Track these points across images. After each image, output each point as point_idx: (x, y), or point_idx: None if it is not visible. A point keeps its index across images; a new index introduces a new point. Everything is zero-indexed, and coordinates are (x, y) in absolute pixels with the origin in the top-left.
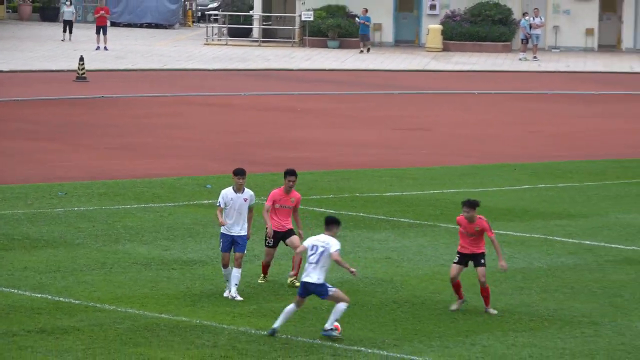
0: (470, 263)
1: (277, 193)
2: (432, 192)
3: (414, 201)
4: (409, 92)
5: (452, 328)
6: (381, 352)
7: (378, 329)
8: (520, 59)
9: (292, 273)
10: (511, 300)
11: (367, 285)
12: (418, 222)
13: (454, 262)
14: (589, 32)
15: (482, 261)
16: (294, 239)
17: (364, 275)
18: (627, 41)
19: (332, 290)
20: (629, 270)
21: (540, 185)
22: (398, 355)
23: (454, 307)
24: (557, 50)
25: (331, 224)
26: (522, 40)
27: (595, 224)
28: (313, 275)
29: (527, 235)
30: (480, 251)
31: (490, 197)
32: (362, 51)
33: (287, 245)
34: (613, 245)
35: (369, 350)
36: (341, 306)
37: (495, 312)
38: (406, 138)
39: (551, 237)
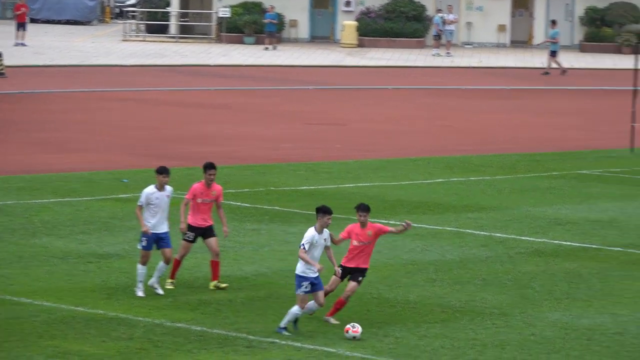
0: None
1: (198, 187)
2: (346, 185)
3: (329, 195)
4: (323, 87)
5: (365, 320)
6: (295, 344)
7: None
8: (433, 55)
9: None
10: (423, 292)
11: (282, 277)
12: (332, 215)
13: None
14: (501, 28)
15: (360, 278)
16: (213, 241)
17: (279, 268)
18: (538, 37)
19: (302, 290)
20: (538, 262)
21: (452, 179)
22: (312, 346)
23: (332, 321)
24: (470, 46)
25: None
26: (435, 36)
27: (506, 217)
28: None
29: (440, 228)
30: (364, 266)
31: (403, 190)
32: (267, 48)
33: (205, 243)
34: (523, 238)
35: (283, 342)
36: (294, 310)
37: (336, 322)
38: (321, 132)
39: (463, 230)
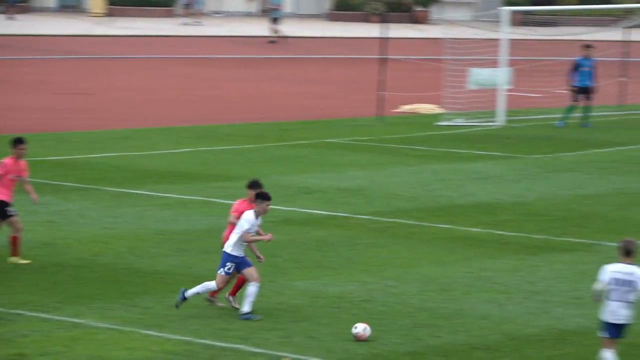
0: None
1: (10, 163)
2: (94, 155)
3: (77, 165)
4: (71, 57)
5: (114, 290)
6: (42, 315)
7: (40, 292)
8: (183, 24)
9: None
10: (172, 262)
11: (29, 249)
12: (81, 185)
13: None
14: None
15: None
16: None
17: (27, 239)
18: (288, 6)
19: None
20: (287, 230)
21: (200, 148)
22: (59, 317)
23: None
24: (220, 15)
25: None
26: (185, 5)
27: None
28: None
29: (188, 197)
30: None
31: (151, 160)
32: (11, 17)
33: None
34: (273, 206)
35: (30, 314)
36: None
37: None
38: (68, 102)
39: (211, 199)
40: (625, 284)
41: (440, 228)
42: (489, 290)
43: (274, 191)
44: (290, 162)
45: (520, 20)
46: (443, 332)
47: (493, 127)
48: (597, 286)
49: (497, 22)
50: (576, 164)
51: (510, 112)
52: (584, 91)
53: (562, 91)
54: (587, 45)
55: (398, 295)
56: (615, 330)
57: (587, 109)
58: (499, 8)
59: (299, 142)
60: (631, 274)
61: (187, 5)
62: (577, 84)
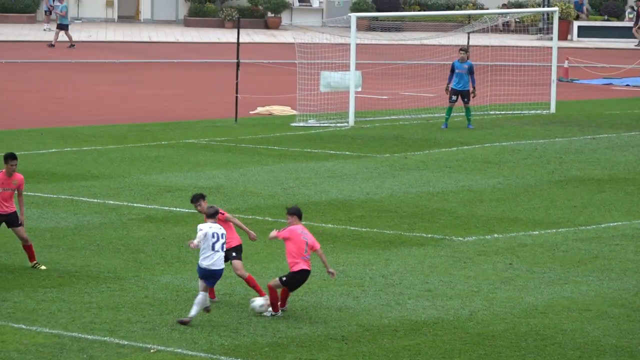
0: None
1: (1, 177)
2: None
3: None
4: None
5: None
6: None
7: None
8: (44, 30)
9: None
10: (40, 258)
11: None
12: None
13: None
14: (109, 3)
15: (234, 254)
16: (20, 230)
17: None
18: (145, 12)
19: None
20: (150, 227)
21: (65, 149)
22: None
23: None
24: (80, 21)
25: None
26: (46, 12)
27: (118, 185)
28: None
29: (54, 196)
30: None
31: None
32: None
33: (14, 231)
34: (135, 205)
35: None
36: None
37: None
38: None
39: (77, 198)
40: None
41: None
42: (345, 284)
43: (137, 190)
44: (151, 161)
45: (368, 26)
46: (302, 323)
47: (344, 128)
48: None
49: (346, 27)
50: (424, 162)
51: (360, 114)
52: (460, 93)
53: (408, 93)
54: (463, 49)
55: None
56: None
57: (467, 110)
58: (347, 14)
59: (159, 142)
60: None
61: (49, 12)
62: (453, 86)
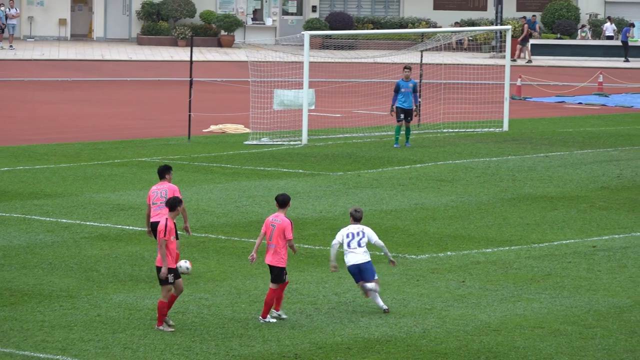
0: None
1: None
2: None
3: None
4: None
5: None
6: None
7: None
8: (1, 48)
9: None
10: None
11: None
12: None
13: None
14: (62, 22)
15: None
16: None
17: None
18: (98, 31)
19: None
20: (103, 246)
21: (18, 168)
22: None
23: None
24: (32, 39)
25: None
26: None
27: (71, 203)
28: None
29: (7, 214)
30: None
31: None
32: None
33: None
34: (88, 223)
35: None
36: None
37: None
38: None
39: (29, 216)
40: None
41: (250, 242)
42: (298, 302)
43: (89, 208)
44: (104, 180)
45: (321, 44)
46: (255, 341)
47: (297, 146)
48: None
49: (299, 45)
50: (377, 180)
51: (313, 132)
52: (405, 112)
53: (361, 111)
54: (407, 67)
55: (210, 307)
56: None
57: (408, 129)
58: (301, 32)
59: (112, 160)
60: None
61: (1, 30)
62: (398, 104)
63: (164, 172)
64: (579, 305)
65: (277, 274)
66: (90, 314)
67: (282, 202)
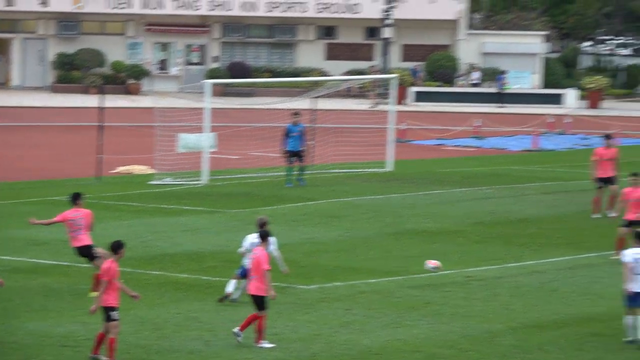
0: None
1: None
2: None
3: None
4: None
5: None
6: None
7: None
8: None
9: None
10: None
11: None
12: None
13: None
14: None
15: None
16: None
17: None
18: (15, 79)
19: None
20: (17, 278)
21: None
22: None
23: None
24: None
25: None
26: None
27: None
28: None
29: None
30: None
31: None
32: None
33: None
34: (4, 257)
35: None
36: None
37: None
38: None
39: None
40: None
41: (153, 275)
42: (197, 329)
43: (4, 244)
44: (20, 217)
45: (221, 92)
46: None
47: (198, 185)
48: None
49: (201, 93)
50: (271, 217)
51: (213, 172)
52: (295, 154)
53: (258, 153)
54: (296, 113)
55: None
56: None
57: (301, 169)
58: (203, 81)
59: (27, 199)
60: None
61: None
62: (288, 148)
63: (76, 198)
64: (455, 331)
65: None
66: (5, 341)
67: (113, 248)
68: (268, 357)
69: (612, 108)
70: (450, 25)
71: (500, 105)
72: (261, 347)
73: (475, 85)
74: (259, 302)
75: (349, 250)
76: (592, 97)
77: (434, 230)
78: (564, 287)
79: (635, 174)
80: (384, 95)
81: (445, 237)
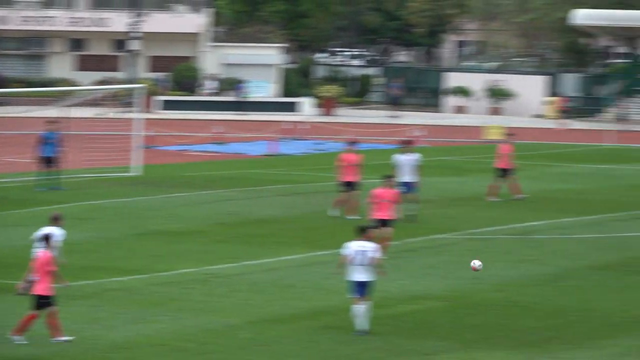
0: None
1: None
2: None
3: None
4: None
5: None
6: None
7: None
8: None
9: None
10: None
11: None
12: None
13: None
14: None
15: None
16: None
17: None
18: None
19: None
20: None
21: None
22: None
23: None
24: None
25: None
26: None
27: None
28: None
29: None
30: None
31: None
32: None
33: None
34: None
35: None
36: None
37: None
38: None
39: None
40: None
41: None
42: None
43: None
44: None
45: None
46: None
47: None
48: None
49: None
50: (22, 219)
51: None
52: (49, 160)
53: (10, 159)
54: (52, 121)
55: None
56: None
57: (55, 174)
58: None
59: None
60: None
61: None
62: (44, 154)
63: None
64: (197, 325)
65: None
66: None
67: None
68: (20, 352)
69: (346, 115)
70: (193, 37)
71: (241, 112)
72: (58, 341)
73: (213, 94)
74: (44, 301)
75: (96, 251)
76: (327, 105)
77: (178, 230)
78: (299, 282)
79: (388, 176)
80: (130, 104)
81: (188, 237)
